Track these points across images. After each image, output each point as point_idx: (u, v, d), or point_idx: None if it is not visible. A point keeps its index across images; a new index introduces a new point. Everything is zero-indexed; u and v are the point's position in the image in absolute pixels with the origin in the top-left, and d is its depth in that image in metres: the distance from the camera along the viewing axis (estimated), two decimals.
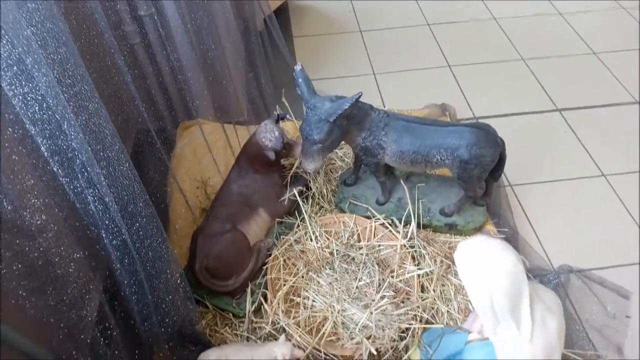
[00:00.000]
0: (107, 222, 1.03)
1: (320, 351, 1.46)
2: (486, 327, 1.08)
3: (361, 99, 1.49)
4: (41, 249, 0.98)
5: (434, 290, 1.65)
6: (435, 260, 1.72)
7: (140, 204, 1.14)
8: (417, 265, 1.70)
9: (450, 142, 1.59)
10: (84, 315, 1.12)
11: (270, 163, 1.71)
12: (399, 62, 2.94)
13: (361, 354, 1.45)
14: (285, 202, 1.78)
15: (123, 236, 1.10)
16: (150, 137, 1.89)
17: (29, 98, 0.81)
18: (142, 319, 1.25)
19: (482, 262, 1.04)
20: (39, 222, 0.95)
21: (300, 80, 1.52)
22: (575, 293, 1.91)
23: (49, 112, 0.84)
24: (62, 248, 1.01)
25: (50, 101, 0.82)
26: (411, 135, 1.61)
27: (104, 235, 1.06)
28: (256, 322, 1.58)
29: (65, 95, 0.87)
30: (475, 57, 2.97)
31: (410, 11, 3.37)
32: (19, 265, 0.96)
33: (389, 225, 1.79)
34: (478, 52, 3.00)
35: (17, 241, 0.94)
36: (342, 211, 1.88)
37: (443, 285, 1.69)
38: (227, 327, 1.58)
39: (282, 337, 1.42)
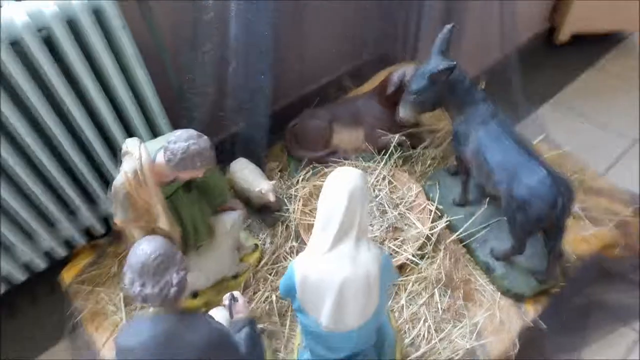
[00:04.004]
0: None
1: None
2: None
3: None
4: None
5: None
6: (434, 269, 1.64)
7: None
8: (421, 257, 1.67)
9: (516, 169, 1.43)
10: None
11: (390, 100, 1.90)
12: None
13: None
14: (382, 139, 1.96)
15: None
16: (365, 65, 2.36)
17: None
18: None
19: (330, 179, 1.11)
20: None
21: (441, 36, 1.60)
22: None
23: None
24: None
25: None
26: (495, 143, 1.51)
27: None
28: (288, 186, 1.96)
29: None
30: None
31: None
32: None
33: (435, 214, 1.77)
34: None
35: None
36: (424, 185, 1.92)
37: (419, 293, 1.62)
38: (280, 174, 2.02)
39: (273, 182, 1.77)
